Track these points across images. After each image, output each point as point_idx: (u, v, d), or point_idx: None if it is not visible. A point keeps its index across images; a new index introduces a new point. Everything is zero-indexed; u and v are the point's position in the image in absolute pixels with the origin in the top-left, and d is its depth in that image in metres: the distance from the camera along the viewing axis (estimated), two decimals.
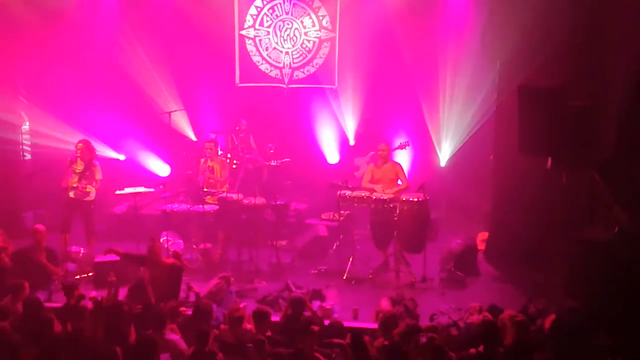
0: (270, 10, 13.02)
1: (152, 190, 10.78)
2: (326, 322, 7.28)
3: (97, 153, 10.49)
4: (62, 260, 9.59)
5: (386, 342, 6.51)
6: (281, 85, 13.19)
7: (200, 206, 10.12)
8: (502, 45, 9.45)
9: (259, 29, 13.10)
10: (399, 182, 10.00)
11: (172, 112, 11.69)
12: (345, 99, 12.87)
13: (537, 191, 8.71)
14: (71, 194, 10.10)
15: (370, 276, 9.61)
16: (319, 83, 13.08)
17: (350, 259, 9.72)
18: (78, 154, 10.14)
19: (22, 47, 11.41)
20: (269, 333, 6.94)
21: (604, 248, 7.56)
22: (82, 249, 9.95)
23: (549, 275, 8.38)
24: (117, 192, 10.55)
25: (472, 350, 6.40)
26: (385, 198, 9.57)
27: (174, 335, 6.77)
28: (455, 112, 12.10)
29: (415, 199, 9.41)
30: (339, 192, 9.77)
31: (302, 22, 12.96)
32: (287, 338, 6.79)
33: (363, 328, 7.47)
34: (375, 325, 7.23)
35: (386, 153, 10.05)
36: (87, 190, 10.09)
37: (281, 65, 13.16)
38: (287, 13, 12.98)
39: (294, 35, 13.04)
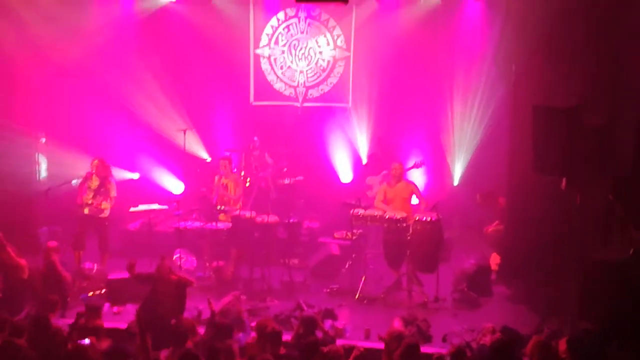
0: (286, 30, 13.12)
1: (166, 207, 10.86)
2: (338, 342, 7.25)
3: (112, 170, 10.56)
4: (75, 277, 9.64)
5: None
6: (295, 103, 13.24)
7: (214, 224, 10.14)
8: (516, 63, 9.45)
9: (274, 48, 13.19)
10: (415, 200, 9.98)
11: (186, 130, 11.75)
12: (359, 118, 12.91)
13: (551, 211, 8.66)
14: (86, 211, 10.17)
15: (382, 296, 9.57)
16: (333, 102, 13.13)
17: (363, 278, 9.68)
18: (93, 171, 10.21)
19: (39, 65, 11.55)
20: (282, 351, 6.93)
21: (619, 269, 7.48)
22: (95, 265, 9.98)
23: (562, 296, 8.31)
24: (132, 209, 10.64)
25: None
26: (398, 217, 9.54)
27: None
28: (469, 130, 12.12)
29: (429, 219, 9.38)
30: (351, 211, 9.76)
31: (317, 41, 13.03)
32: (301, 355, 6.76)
33: (374, 348, 7.43)
34: None
35: (399, 172, 10.04)
36: (102, 207, 10.15)
37: (295, 84, 13.22)
38: (302, 32, 13.06)
39: (309, 54, 13.11)
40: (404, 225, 9.48)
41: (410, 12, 12.41)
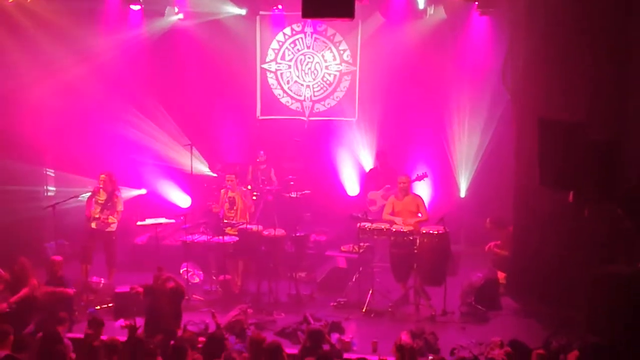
0: (292, 45, 13.20)
1: (173, 221, 10.86)
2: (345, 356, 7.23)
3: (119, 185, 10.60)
4: (82, 291, 9.65)
5: None
6: (302, 118, 13.29)
7: (220, 237, 10.15)
8: (521, 77, 9.47)
9: (281, 63, 13.27)
10: (419, 214, 9.98)
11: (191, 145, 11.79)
12: (365, 132, 12.94)
13: (559, 225, 8.64)
14: (93, 225, 10.21)
15: (389, 309, 9.55)
16: (339, 116, 13.18)
17: (370, 292, 9.67)
18: (101, 185, 10.26)
19: (47, 83, 11.67)
20: None
21: (627, 283, 7.44)
22: (102, 279, 10.00)
23: (571, 310, 8.27)
24: (139, 223, 10.66)
25: None
26: (405, 230, 9.54)
27: None
28: (474, 143, 12.15)
29: (436, 232, 9.38)
30: (358, 224, 9.77)
31: (323, 56, 13.11)
32: None
33: None
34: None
35: (406, 185, 10.06)
36: (109, 221, 10.19)
37: (302, 98, 13.28)
38: (308, 47, 13.14)
39: (315, 68, 13.18)
40: (411, 238, 9.48)
41: (416, 27, 12.47)
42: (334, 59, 13.09)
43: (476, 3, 11.43)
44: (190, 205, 12.60)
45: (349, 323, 9.09)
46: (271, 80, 13.33)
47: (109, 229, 10.23)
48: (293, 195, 11.58)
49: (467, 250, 11.64)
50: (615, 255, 8.05)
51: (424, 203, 10.18)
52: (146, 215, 10.78)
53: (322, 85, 13.18)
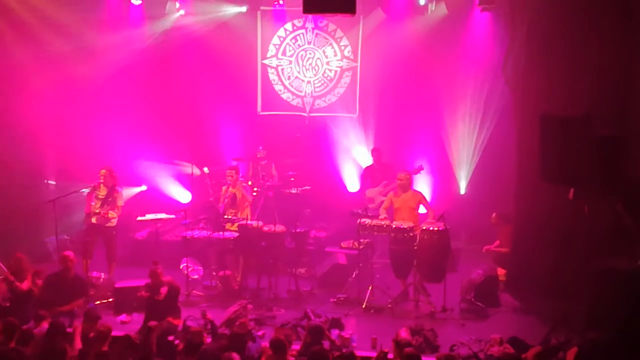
0: (293, 40, 13.18)
1: (173, 216, 10.87)
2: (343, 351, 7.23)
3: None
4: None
5: None
6: (302, 113, 13.28)
7: (221, 233, 10.15)
8: (523, 72, 9.44)
9: (282, 59, 13.25)
10: (423, 210, 9.97)
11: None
12: (366, 128, 12.93)
13: (560, 221, 8.62)
14: (93, 220, 10.21)
15: (389, 305, 9.53)
16: (340, 112, 13.18)
17: (370, 288, 9.67)
18: (101, 180, 10.25)
19: (51, 81, 11.69)
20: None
21: (627, 279, 7.43)
22: (102, 274, 10.00)
23: (571, 306, 8.25)
24: (139, 218, 10.66)
25: None
26: (405, 227, 9.53)
27: None
28: (475, 139, 12.16)
29: (436, 228, 9.36)
30: (358, 221, 9.76)
31: (324, 51, 13.10)
32: None
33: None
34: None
35: (406, 182, 10.04)
36: (109, 216, 10.18)
37: (303, 94, 13.27)
38: (309, 43, 13.12)
39: (316, 64, 13.17)
40: (411, 234, 9.47)
41: (417, 23, 12.47)
42: (335, 55, 13.08)
43: None
44: (191, 200, 12.60)
45: (349, 319, 9.10)
46: (272, 76, 13.32)
47: (109, 224, 10.22)
48: (293, 191, 11.57)
49: (467, 247, 11.63)
50: (615, 252, 8.03)
51: (426, 199, 10.19)
52: (146, 211, 10.78)
53: (323, 81, 13.17)
